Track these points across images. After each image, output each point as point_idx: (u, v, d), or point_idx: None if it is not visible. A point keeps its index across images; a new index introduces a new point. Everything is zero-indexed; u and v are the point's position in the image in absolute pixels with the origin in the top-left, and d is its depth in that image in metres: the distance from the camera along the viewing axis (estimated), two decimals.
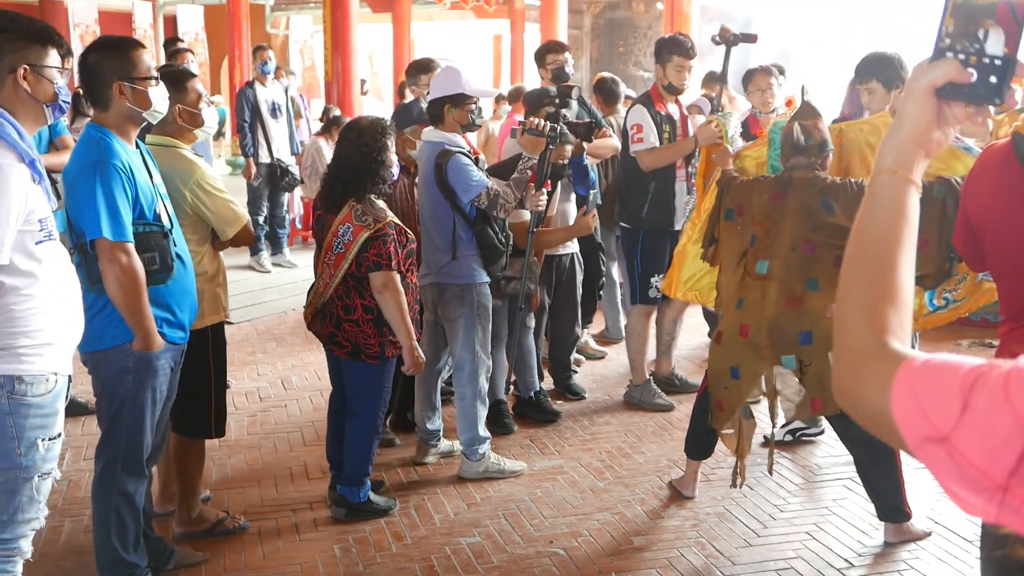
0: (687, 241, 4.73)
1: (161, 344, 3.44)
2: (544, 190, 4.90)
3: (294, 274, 9.36)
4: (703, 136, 5.14)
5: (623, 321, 7.49)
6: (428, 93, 5.03)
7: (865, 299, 1.21)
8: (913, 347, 4.47)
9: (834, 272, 4.03)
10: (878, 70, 4.67)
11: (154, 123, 3.57)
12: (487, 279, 4.81)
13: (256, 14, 18.88)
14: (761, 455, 4.95)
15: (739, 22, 18.17)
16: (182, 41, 10.96)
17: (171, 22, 19.82)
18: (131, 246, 3.29)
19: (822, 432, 5.35)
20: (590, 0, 23.27)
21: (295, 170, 9.26)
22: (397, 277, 4.20)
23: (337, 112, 10.22)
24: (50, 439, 2.98)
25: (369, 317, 4.26)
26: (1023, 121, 2.84)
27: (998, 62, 1.18)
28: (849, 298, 1.23)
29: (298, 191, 10.16)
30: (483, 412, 4.90)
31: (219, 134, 16.33)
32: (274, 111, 8.93)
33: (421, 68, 6.23)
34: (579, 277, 6.02)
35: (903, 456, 4.18)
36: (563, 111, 5.09)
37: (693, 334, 7.55)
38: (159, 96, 3.48)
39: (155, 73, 3.48)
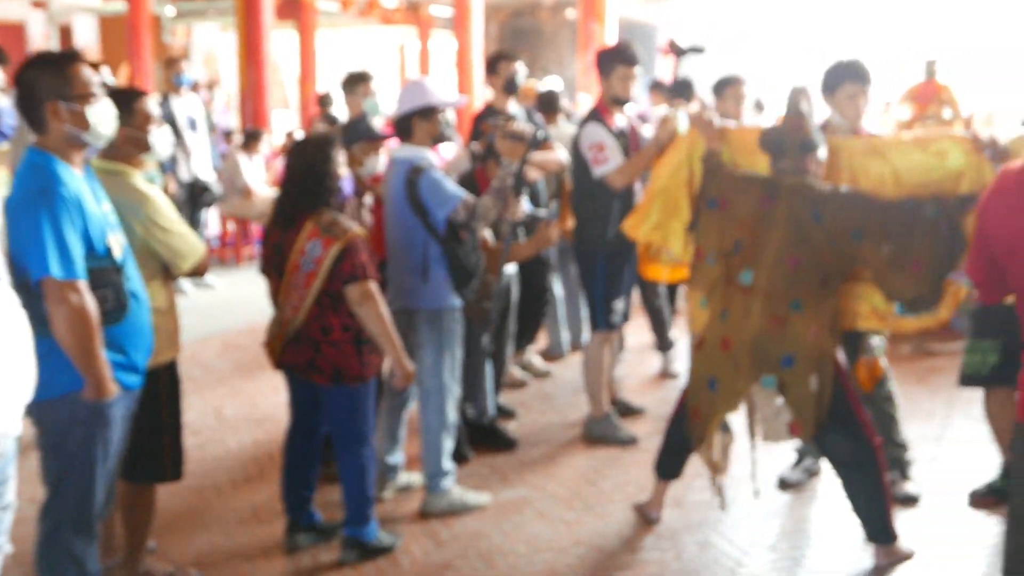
0: (655, 185, 4.54)
1: (115, 391, 3.11)
2: (522, 198, 4.69)
3: (214, 296, 8.98)
4: (664, 135, 4.97)
5: (565, 336, 7.33)
6: (391, 106, 4.77)
7: None
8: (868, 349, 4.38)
9: (819, 292, 3.89)
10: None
11: (99, 146, 3.23)
12: (458, 303, 4.56)
13: (153, 23, 18.23)
14: (734, 477, 4.81)
15: (647, 32, 18.30)
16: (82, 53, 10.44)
17: (67, 33, 19.05)
18: (82, 284, 2.96)
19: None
20: (496, 7, 23.14)
21: (215, 186, 8.85)
22: (375, 287, 3.96)
23: (254, 128, 9.85)
24: (0, 510, 2.64)
25: (348, 336, 4.00)
26: None
27: None
28: None
29: (215, 209, 9.74)
30: (450, 444, 4.64)
31: None
32: (192, 125, 8.53)
33: (357, 78, 5.95)
34: (514, 298, 5.79)
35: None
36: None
37: (639, 349, 7.41)
38: (100, 116, 3.14)
39: (95, 90, 3.14)
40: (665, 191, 4.48)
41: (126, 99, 3.52)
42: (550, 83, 7.09)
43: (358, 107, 5.47)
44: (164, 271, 3.69)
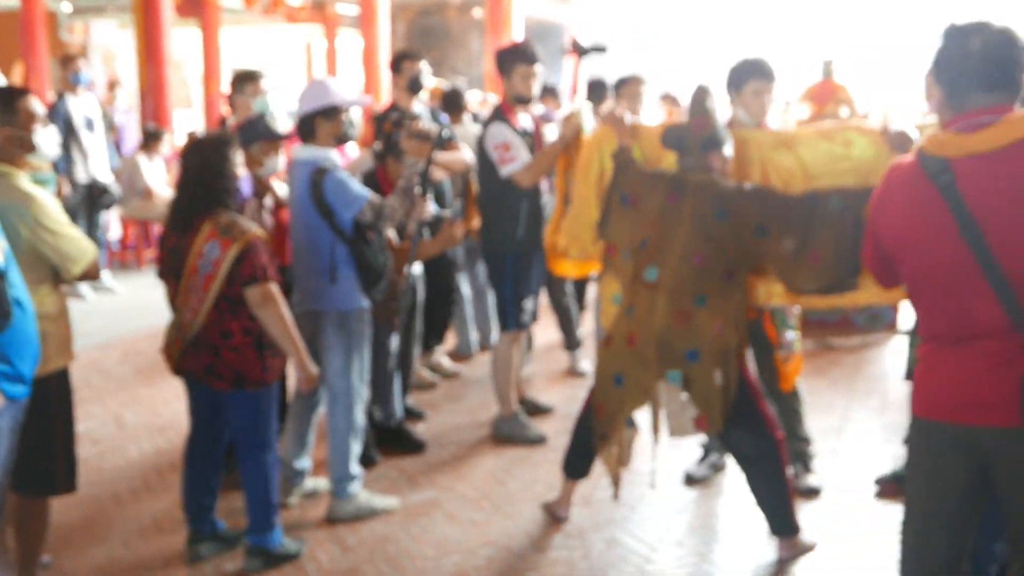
0: (572, 189, 4.57)
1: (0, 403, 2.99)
2: (429, 197, 4.67)
3: (114, 300, 8.75)
4: (568, 132, 4.97)
5: (474, 336, 7.31)
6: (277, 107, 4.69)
7: None
8: (789, 336, 4.45)
9: (723, 287, 3.93)
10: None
11: None
12: (366, 304, 4.51)
13: (49, 19, 17.69)
14: (640, 474, 4.84)
15: (555, 31, 18.37)
16: None
17: None
18: None
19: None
20: (403, 6, 22.99)
21: (114, 188, 8.62)
22: (276, 288, 3.89)
23: (154, 126, 9.63)
24: None
25: (249, 340, 3.93)
26: (926, 138, 2.78)
27: None
28: None
29: (116, 211, 9.49)
30: (357, 448, 4.58)
31: None
32: (89, 125, 8.28)
33: (246, 77, 5.77)
34: (420, 299, 5.74)
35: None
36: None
37: (548, 348, 7.42)
38: None
39: None
40: (577, 194, 4.49)
41: (8, 98, 3.40)
42: (431, 82, 6.97)
43: (248, 107, 5.34)
44: (54, 275, 3.57)
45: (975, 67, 2.60)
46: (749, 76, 4.51)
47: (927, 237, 2.68)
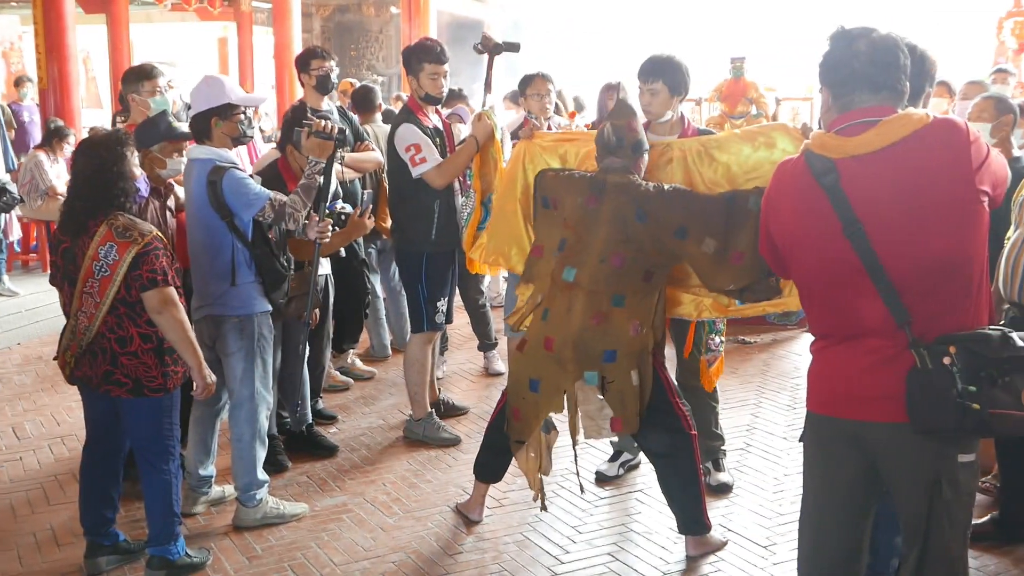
0: (494, 205, 4.55)
1: None
2: (335, 208, 4.61)
3: (17, 303, 8.47)
4: (481, 132, 4.91)
5: (387, 337, 7.23)
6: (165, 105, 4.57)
7: None
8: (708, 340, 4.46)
9: (641, 287, 3.91)
10: (664, 72, 4.48)
11: None
12: (268, 308, 4.41)
13: None
14: (553, 474, 4.82)
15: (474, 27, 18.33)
16: None
17: None
18: None
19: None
20: (319, 3, 22.72)
21: (13, 188, 8.35)
22: (175, 293, 3.78)
23: (60, 123, 9.34)
24: None
25: (148, 346, 3.81)
26: (812, 138, 2.79)
27: None
28: None
29: (16, 211, 9.19)
30: (262, 454, 4.48)
31: None
32: None
33: (142, 74, 5.53)
34: (331, 299, 5.64)
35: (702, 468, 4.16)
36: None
37: (463, 349, 7.38)
38: None
39: None
40: (501, 211, 4.47)
41: None
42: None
43: (145, 107, 5.12)
44: None
45: (861, 68, 2.63)
46: (657, 77, 4.48)
47: (814, 236, 2.71)
